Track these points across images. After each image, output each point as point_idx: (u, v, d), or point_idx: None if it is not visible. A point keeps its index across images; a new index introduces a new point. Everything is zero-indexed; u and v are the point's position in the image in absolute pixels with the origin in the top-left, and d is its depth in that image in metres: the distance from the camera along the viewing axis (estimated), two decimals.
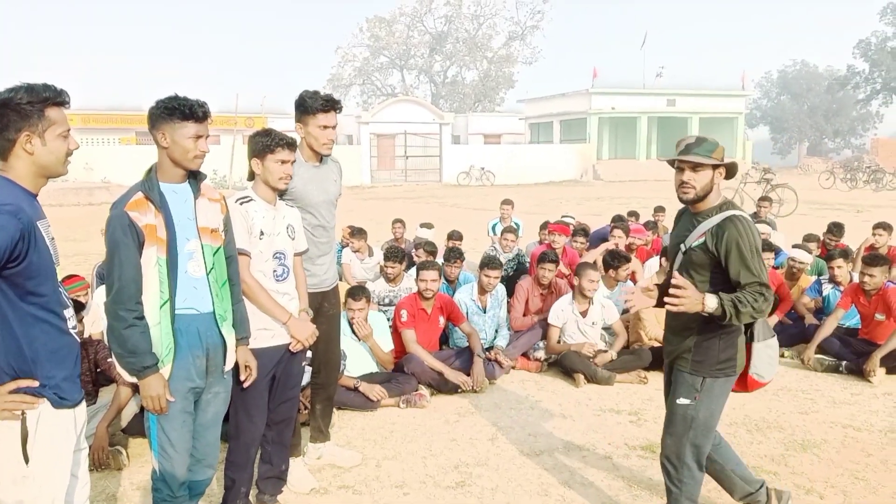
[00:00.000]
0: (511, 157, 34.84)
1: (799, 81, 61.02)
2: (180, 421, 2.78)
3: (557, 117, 39.60)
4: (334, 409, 4.37)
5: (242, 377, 3.06)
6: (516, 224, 9.39)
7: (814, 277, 7.01)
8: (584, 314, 5.88)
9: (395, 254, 6.50)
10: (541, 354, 5.93)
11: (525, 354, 5.99)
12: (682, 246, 3.01)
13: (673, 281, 2.82)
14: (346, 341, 4.94)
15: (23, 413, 2.14)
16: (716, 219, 2.89)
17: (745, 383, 3.13)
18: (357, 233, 7.87)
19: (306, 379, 4.01)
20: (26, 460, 2.16)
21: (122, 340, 2.61)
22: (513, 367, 5.85)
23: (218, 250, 2.87)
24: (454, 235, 8.36)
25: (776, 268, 7.21)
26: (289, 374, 3.45)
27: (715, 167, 2.90)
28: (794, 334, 6.33)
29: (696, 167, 2.89)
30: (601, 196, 24.54)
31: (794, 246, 7.51)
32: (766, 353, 3.08)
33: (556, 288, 6.46)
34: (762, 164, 25.04)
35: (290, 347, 3.34)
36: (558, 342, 5.85)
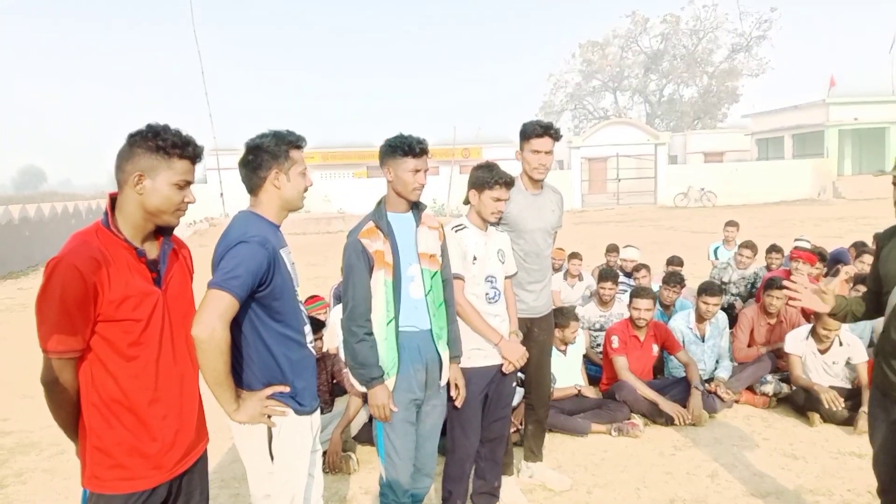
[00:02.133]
0: (734, 175, 32.58)
1: None
2: (403, 430, 3.02)
3: (789, 131, 36.30)
4: (546, 432, 4.42)
5: (453, 394, 3.25)
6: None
7: None
8: (823, 352, 5.27)
9: (610, 275, 6.41)
10: (769, 389, 5.48)
11: (751, 388, 5.57)
12: None
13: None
14: (553, 356, 5.01)
15: (269, 419, 2.47)
16: None
17: None
18: (574, 255, 7.90)
19: (517, 399, 4.11)
20: (271, 458, 2.50)
21: (354, 353, 2.92)
22: (736, 402, 5.47)
23: (435, 274, 3.11)
24: (674, 261, 8.02)
25: None
26: (500, 394, 3.57)
27: None
28: None
29: None
30: (843, 216, 21.93)
31: None
32: None
33: (786, 318, 5.93)
34: None
35: (502, 368, 3.46)
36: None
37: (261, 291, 2.37)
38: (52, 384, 2.01)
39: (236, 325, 2.38)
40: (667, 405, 5.06)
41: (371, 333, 2.93)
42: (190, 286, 2.31)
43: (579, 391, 5.35)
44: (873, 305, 2.90)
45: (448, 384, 3.23)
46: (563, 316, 5.17)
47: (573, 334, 5.30)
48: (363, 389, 2.97)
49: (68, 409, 2.07)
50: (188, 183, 2.13)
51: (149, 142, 2.05)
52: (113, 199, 2.11)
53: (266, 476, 2.52)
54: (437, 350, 3.10)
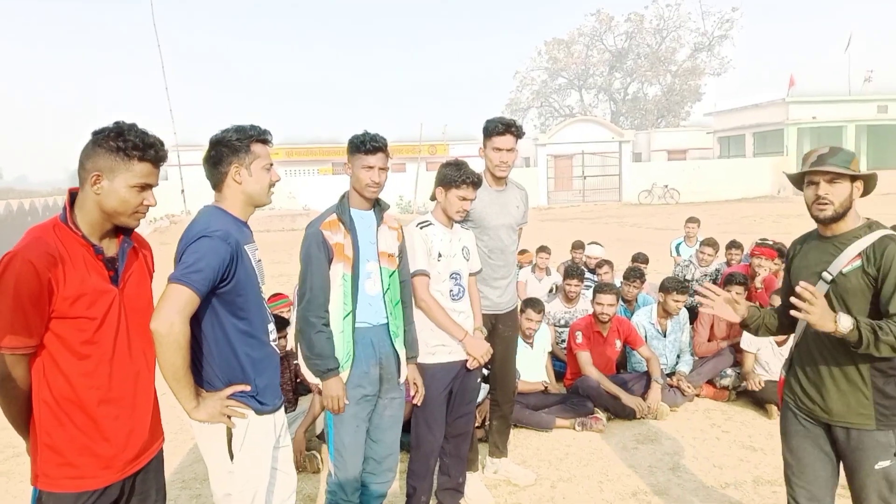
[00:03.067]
0: (697, 172, 33.15)
1: None
2: (353, 426, 3.01)
3: (750, 129, 37.05)
4: (511, 427, 4.44)
5: (412, 394, 3.26)
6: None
7: None
8: (780, 344, 5.43)
9: (576, 272, 6.47)
10: (728, 382, 5.59)
11: (711, 382, 5.68)
12: (825, 275, 2.57)
13: (798, 288, 2.41)
14: (520, 349, 5.05)
15: (229, 419, 2.44)
16: (869, 238, 2.51)
17: None
18: (542, 249, 7.97)
19: (482, 396, 4.13)
20: (231, 457, 2.47)
21: (311, 344, 2.91)
22: (697, 395, 5.58)
23: (393, 273, 3.11)
24: (640, 258, 8.13)
25: None
26: (465, 390, 3.58)
27: (853, 179, 2.54)
28: None
29: (832, 180, 2.53)
30: (802, 213, 22.36)
31: None
32: None
33: None
34: None
35: (467, 364, 3.47)
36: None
37: (222, 287, 2.34)
38: (3, 380, 1.98)
39: (197, 322, 2.34)
40: (629, 399, 5.13)
41: (328, 324, 2.92)
42: (149, 285, 2.27)
43: (546, 388, 5.40)
44: (786, 320, 2.78)
45: (407, 382, 3.23)
46: (529, 303, 5.29)
47: (531, 322, 5.32)
48: (316, 381, 2.95)
49: (19, 406, 2.04)
50: (148, 186, 2.08)
51: (111, 141, 2.01)
52: (73, 195, 2.07)
53: (226, 475, 2.49)
54: (393, 347, 3.10)
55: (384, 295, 3.05)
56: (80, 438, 2.05)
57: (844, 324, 2.37)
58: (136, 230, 2.23)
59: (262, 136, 2.54)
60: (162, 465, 2.36)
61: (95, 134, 2.04)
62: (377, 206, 3.10)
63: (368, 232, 3.04)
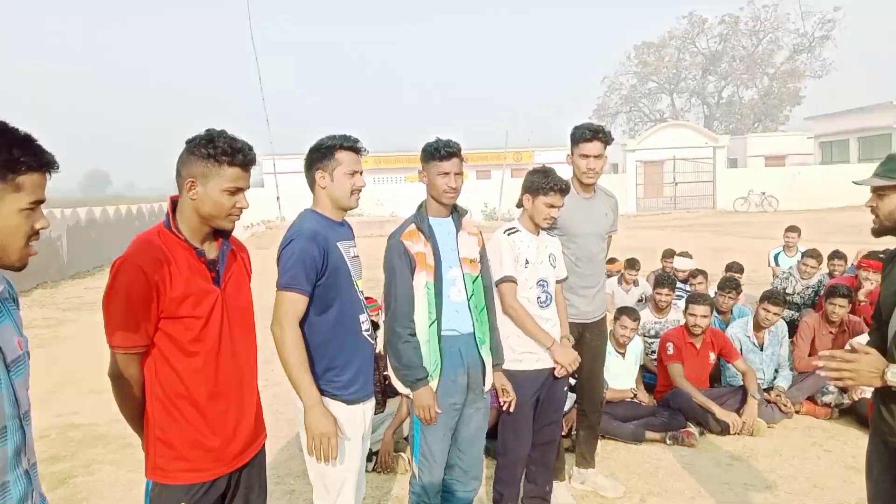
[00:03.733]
0: (797, 179, 31.56)
1: None
2: (441, 433, 3.04)
3: (854, 134, 34.96)
4: (599, 439, 4.37)
5: (502, 400, 3.25)
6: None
7: None
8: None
9: (667, 281, 6.31)
10: (830, 399, 5.30)
11: (812, 398, 5.40)
12: None
13: (820, 362, 2.11)
14: (611, 359, 4.97)
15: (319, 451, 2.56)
16: None
17: None
18: (630, 265, 7.77)
19: (569, 405, 4.09)
20: None
21: (399, 355, 2.95)
22: (796, 412, 5.31)
23: (476, 279, 3.12)
24: (734, 267, 7.83)
25: None
26: (552, 398, 3.55)
27: None
28: None
29: (879, 191, 2.31)
30: None
31: None
32: None
33: (850, 326, 5.72)
34: None
35: (554, 372, 3.45)
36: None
37: (319, 281, 2.55)
38: (118, 378, 2.11)
39: None
40: (723, 413, 4.95)
41: (414, 334, 2.94)
42: (248, 286, 2.38)
43: (634, 395, 5.28)
44: (876, 341, 2.36)
45: (494, 390, 3.23)
46: (624, 310, 5.24)
47: (625, 330, 5.21)
48: (407, 391, 2.98)
49: (133, 403, 2.16)
50: (240, 189, 2.18)
51: (202, 148, 2.11)
52: (174, 202, 2.19)
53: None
54: (479, 354, 3.09)
55: (469, 301, 3.05)
56: (190, 432, 2.15)
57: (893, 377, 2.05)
58: (232, 234, 2.35)
59: (348, 144, 2.67)
60: (264, 461, 2.45)
61: (188, 142, 2.15)
62: (455, 212, 3.11)
63: (448, 239, 3.05)
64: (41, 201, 1.59)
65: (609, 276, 7.68)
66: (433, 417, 2.96)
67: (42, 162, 1.57)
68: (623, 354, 5.29)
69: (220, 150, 2.11)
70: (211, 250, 2.22)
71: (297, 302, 2.51)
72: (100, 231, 17.90)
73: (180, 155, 2.16)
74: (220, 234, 2.25)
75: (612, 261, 7.89)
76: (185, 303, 2.08)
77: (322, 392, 2.57)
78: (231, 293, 2.24)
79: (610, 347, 4.90)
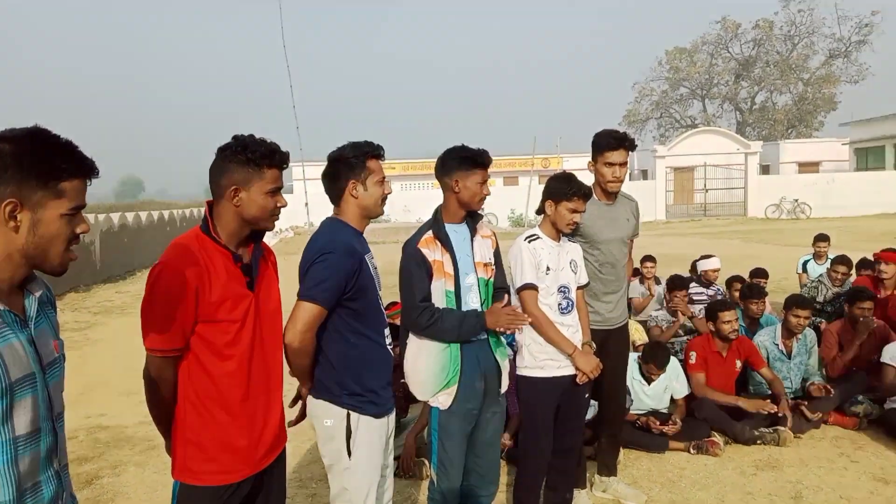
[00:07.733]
0: (831, 186, 30.95)
1: None
2: (459, 440, 3.06)
3: (891, 140, 34.21)
4: (622, 447, 4.35)
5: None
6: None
7: None
8: None
9: (680, 282, 6.31)
10: (860, 409, 5.20)
11: (840, 409, 5.31)
12: None
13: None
14: (639, 380, 4.96)
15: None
16: None
17: None
18: (647, 259, 7.78)
19: (591, 412, 4.08)
20: (349, 455, 2.60)
21: (442, 332, 2.95)
22: (824, 422, 5.22)
23: (489, 282, 3.14)
24: (758, 273, 7.74)
25: None
26: (573, 405, 3.55)
27: None
28: None
29: None
30: None
31: None
32: None
33: (876, 330, 5.60)
34: None
35: (576, 379, 3.44)
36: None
37: (346, 296, 2.53)
38: (153, 380, 2.16)
39: (322, 327, 2.55)
40: (748, 403, 4.97)
41: (435, 308, 2.94)
42: (277, 289, 2.42)
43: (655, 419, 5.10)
44: None
45: (507, 393, 3.25)
46: (654, 354, 5.06)
47: (657, 371, 5.09)
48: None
49: (164, 405, 2.21)
50: (278, 189, 2.24)
51: (239, 155, 2.15)
52: (210, 206, 2.24)
53: (343, 471, 2.64)
54: (495, 359, 3.12)
55: (483, 306, 3.07)
56: (221, 435, 2.19)
57: None
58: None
59: (375, 153, 2.69)
60: (285, 464, 2.50)
61: (221, 150, 2.19)
62: (469, 216, 3.13)
63: (464, 245, 3.08)
64: (82, 206, 1.62)
65: (649, 278, 7.67)
66: (523, 318, 3.04)
67: (83, 168, 1.60)
68: (650, 381, 5.15)
69: (258, 154, 2.15)
70: (245, 255, 2.26)
71: (320, 315, 2.49)
72: (132, 236, 18.23)
73: (214, 163, 2.20)
74: (253, 239, 2.30)
75: (649, 259, 7.84)
76: (222, 307, 2.13)
77: (350, 407, 2.60)
78: (263, 297, 2.28)
79: (635, 371, 4.92)
